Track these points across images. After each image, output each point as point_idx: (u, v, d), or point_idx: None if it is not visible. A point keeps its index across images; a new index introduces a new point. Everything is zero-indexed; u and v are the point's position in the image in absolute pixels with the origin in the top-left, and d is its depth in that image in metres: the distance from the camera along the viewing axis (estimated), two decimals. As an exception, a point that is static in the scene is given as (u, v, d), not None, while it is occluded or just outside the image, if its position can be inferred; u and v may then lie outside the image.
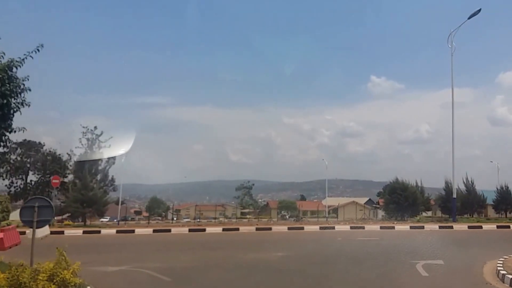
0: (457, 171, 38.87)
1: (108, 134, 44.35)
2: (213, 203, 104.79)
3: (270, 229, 27.51)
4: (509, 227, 27.21)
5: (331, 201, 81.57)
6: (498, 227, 27.24)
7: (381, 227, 27.46)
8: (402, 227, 27.58)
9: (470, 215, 46.41)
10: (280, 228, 27.70)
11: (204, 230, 26.98)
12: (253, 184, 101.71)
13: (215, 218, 65.28)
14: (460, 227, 27.27)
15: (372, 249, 16.80)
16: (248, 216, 77.73)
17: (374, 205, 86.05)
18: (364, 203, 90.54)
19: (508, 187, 48.87)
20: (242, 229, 27.56)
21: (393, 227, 27.42)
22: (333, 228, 27.73)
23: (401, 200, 43.67)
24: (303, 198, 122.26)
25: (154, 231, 26.75)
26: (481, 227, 26.95)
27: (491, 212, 50.11)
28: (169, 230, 26.87)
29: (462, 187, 47.09)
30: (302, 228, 27.68)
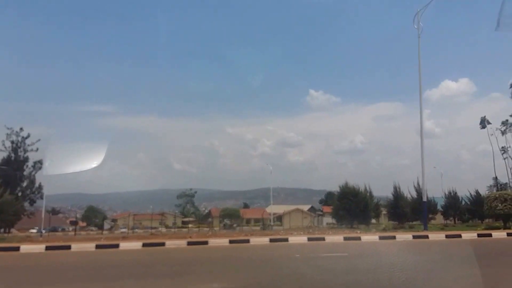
0: (388, 179, 34.82)
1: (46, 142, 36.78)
2: (155, 212, 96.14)
3: (207, 242, 20.35)
4: (490, 235, 21.85)
5: (274, 208, 75.59)
6: (479, 235, 21.78)
7: (345, 238, 21.16)
8: (369, 237, 21.47)
9: (421, 222, 42.13)
10: (219, 242, 20.65)
11: (117, 246, 19.26)
12: (196, 192, 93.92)
13: (152, 228, 58.53)
14: (436, 236, 21.58)
15: (354, 275, 9.98)
16: (189, 225, 72.10)
17: (318, 212, 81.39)
18: (307, 210, 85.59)
19: (456, 193, 45.23)
20: (170, 243, 20.12)
21: (359, 238, 21.18)
22: (286, 240, 20.99)
23: (352, 206, 38.32)
24: (246, 206, 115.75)
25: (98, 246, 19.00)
26: (460, 235, 21.32)
27: (439, 218, 46.29)
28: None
29: (406, 194, 42.94)
30: (248, 241, 20.84)
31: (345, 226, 38.23)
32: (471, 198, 43.70)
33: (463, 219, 42.54)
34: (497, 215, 27.63)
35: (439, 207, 44.39)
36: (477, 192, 43.54)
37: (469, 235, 21.55)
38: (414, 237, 21.22)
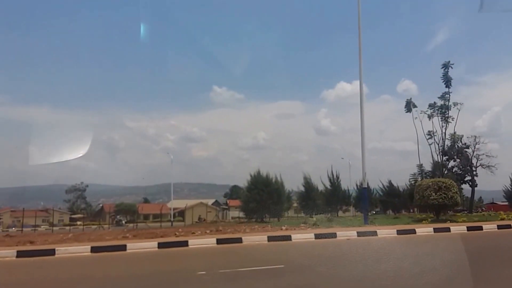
0: (290, 175, 29.90)
1: None
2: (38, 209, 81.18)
3: (54, 252, 11.90)
4: (481, 228, 16.61)
5: (177, 203, 67.17)
6: (469, 228, 16.47)
7: (270, 238, 14.11)
8: (300, 235, 14.68)
9: (335, 213, 37.48)
10: (73, 250, 12.31)
11: None
12: (87, 186, 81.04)
13: (35, 226, 49.23)
14: (387, 232, 15.56)
15: None
16: (78, 223, 62.05)
17: (223, 206, 74.72)
18: (211, 204, 78.39)
19: (367, 183, 41.28)
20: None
21: (289, 237, 14.31)
22: (186, 243, 13.35)
23: (264, 197, 31.97)
24: (146, 201, 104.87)
25: None
26: (448, 229, 15.77)
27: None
28: None
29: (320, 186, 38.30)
30: (124, 249, 12.77)
31: (255, 220, 31.90)
32: (384, 189, 40.53)
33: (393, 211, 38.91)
34: (430, 206, 22.87)
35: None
36: (390, 182, 40.59)
37: (458, 228, 15.86)
38: (359, 234, 15.01)
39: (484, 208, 38.75)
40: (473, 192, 34.85)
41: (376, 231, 15.36)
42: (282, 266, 8.99)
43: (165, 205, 66.49)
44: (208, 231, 16.16)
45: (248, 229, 16.99)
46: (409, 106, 30.98)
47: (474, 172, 34.18)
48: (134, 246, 12.80)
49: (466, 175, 34.25)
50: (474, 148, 33.72)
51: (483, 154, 33.64)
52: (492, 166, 33.20)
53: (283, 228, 17.04)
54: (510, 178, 39.31)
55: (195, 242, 13.37)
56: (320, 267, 8.83)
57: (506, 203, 39.25)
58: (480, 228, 16.50)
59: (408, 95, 72.89)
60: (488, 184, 36.98)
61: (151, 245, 12.99)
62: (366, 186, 21.03)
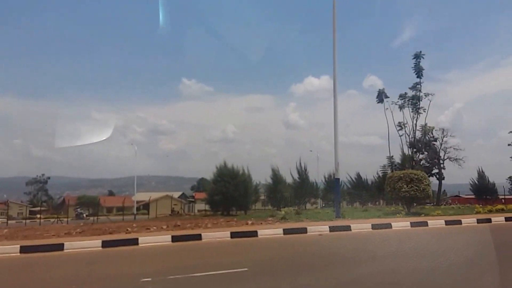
0: (259, 167, 28.67)
1: None
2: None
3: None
4: (460, 222, 15.33)
5: (143, 196, 64.49)
6: (447, 222, 15.27)
7: (233, 234, 12.38)
8: (268, 231, 13.02)
9: (303, 206, 36.24)
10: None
11: None
12: (49, 178, 76.81)
13: None
14: (360, 226, 14.12)
15: None
16: (38, 215, 58.27)
17: (189, 199, 72.50)
18: (178, 197, 75.90)
19: (331, 176, 40.29)
20: None
21: (255, 233, 12.65)
22: (136, 242, 11.43)
23: (230, 189, 30.29)
24: (111, 194, 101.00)
25: None
26: (426, 223, 14.42)
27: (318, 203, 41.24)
28: None
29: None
30: (61, 248, 10.71)
31: (221, 213, 30.16)
32: (352, 181, 39.61)
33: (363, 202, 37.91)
34: (401, 198, 21.78)
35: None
36: (358, 175, 39.70)
37: (436, 222, 14.55)
38: (331, 228, 13.50)
39: (450, 201, 38.47)
40: (440, 185, 34.44)
41: (349, 226, 13.91)
42: (246, 269, 7.31)
43: (128, 197, 63.65)
44: (165, 227, 14.25)
45: (210, 223, 15.20)
46: (381, 96, 29.88)
47: (442, 165, 33.74)
48: (74, 245, 10.77)
49: (434, 168, 33.76)
50: (442, 141, 33.27)
51: (450, 147, 33.25)
52: (459, 159, 32.84)
53: (249, 222, 15.33)
54: (477, 171, 39.27)
55: (146, 240, 11.46)
56: (290, 271, 7.19)
57: (472, 196, 39.16)
58: (459, 222, 15.36)
59: (374, 90, 72.55)
60: (452, 177, 36.70)
61: (94, 243, 10.98)
62: (338, 177, 19.45)
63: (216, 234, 12.06)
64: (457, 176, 39.99)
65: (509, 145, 39.51)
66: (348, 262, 8.11)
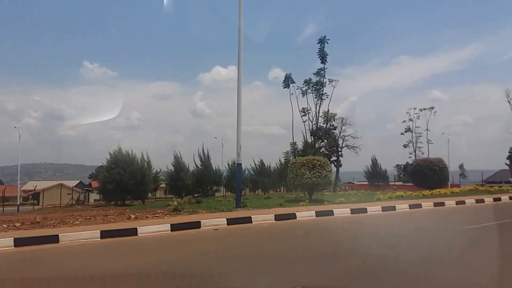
0: (164, 156, 26.66)
1: None
2: None
3: None
4: (365, 210, 14.10)
5: (38, 185, 57.13)
6: (353, 211, 13.92)
7: (119, 233, 9.61)
8: (149, 228, 10.47)
9: (206, 194, 34.05)
10: None
11: None
12: None
13: None
14: (305, 213, 12.28)
15: None
16: None
17: (86, 188, 66.02)
18: (75, 186, 68.63)
19: (235, 164, 38.97)
20: None
21: (134, 230, 10.00)
22: None
23: (125, 177, 27.12)
24: (0, 183, 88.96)
25: None
26: (331, 212, 12.86)
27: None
28: None
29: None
30: None
31: (115, 203, 26.85)
32: (256, 168, 38.51)
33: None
34: (303, 185, 20.71)
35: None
36: (261, 162, 38.71)
37: (374, 208, 13.02)
38: (229, 221, 11.46)
39: (348, 188, 39.45)
40: (337, 172, 34.81)
41: (250, 217, 11.99)
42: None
43: (11, 186, 55.63)
44: (18, 224, 10.89)
45: (83, 218, 12.14)
46: (287, 81, 28.67)
47: (340, 153, 34.09)
48: None
49: (332, 156, 33.95)
50: (341, 129, 33.57)
51: (348, 135, 33.69)
52: (356, 147, 33.43)
53: (133, 216, 12.58)
54: (371, 159, 40.79)
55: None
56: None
57: (365, 183, 40.60)
58: (364, 210, 14.33)
59: (278, 82, 72.62)
60: (347, 165, 37.59)
61: None
62: (240, 162, 17.48)
63: (82, 235, 9.20)
64: (351, 164, 41.21)
65: (401, 134, 41.79)
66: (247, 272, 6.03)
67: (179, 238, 9.59)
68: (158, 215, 12.94)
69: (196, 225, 10.92)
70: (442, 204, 16.65)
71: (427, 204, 16.32)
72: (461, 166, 59.56)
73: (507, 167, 39.27)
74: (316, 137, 30.66)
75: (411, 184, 30.99)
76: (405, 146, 41.10)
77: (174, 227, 10.48)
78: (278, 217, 12.32)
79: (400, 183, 43.34)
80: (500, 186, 29.60)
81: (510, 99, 35.85)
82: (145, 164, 29.74)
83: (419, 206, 16.08)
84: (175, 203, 14.23)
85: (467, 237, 8.70)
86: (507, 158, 35.20)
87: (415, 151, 40.85)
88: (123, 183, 26.69)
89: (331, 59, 27.86)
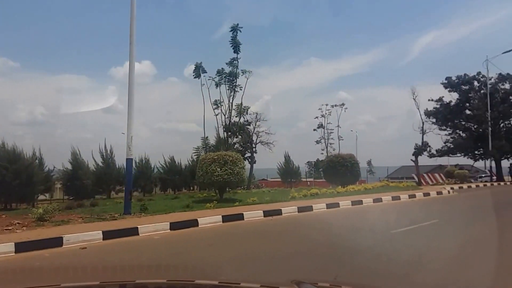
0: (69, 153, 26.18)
1: None
2: None
3: None
4: (280, 212, 12.25)
5: None
6: (265, 213, 11.80)
7: (21, 247, 6.60)
8: (88, 234, 7.61)
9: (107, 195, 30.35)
10: None
11: None
12: None
13: None
14: (209, 219, 10.01)
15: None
16: None
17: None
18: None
19: (148, 160, 35.71)
20: None
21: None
22: None
23: (7, 177, 22.82)
24: None
25: None
26: (242, 216, 10.87)
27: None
28: None
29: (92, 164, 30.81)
30: None
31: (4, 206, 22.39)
32: (166, 166, 35.51)
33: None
34: (214, 183, 18.74)
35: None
36: (172, 159, 35.81)
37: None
38: (106, 235, 8.98)
39: (263, 185, 38.42)
40: (252, 169, 33.57)
41: (137, 228, 9.59)
42: None
43: None
44: None
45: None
46: (198, 71, 26.43)
47: (254, 149, 32.87)
48: None
49: (247, 152, 32.60)
50: (255, 125, 32.35)
51: (263, 131, 32.62)
52: (270, 143, 32.48)
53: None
54: (284, 156, 40.26)
55: None
56: None
57: (278, 180, 40.02)
58: (279, 212, 12.78)
59: (193, 80, 69.74)
60: (261, 162, 36.65)
61: None
62: (131, 157, 14.37)
63: None
64: (265, 161, 40.37)
65: (314, 130, 41.95)
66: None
67: (22, 264, 6.84)
68: (10, 228, 9.88)
69: (57, 242, 8.23)
70: (360, 202, 15.88)
71: (345, 203, 15.41)
72: (369, 163, 61.93)
73: (408, 164, 41.42)
74: (230, 132, 28.95)
75: (323, 180, 30.77)
76: (317, 142, 41.43)
77: (23, 247, 7.64)
78: (174, 226, 10.10)
79: (312, 179, 43.59)
80: (401, 182, 30.85)
81: (416, 97, 37.37)
82: (34, 162, 25.41)
83: (337, 205, 15.08)
84: (40, 210, 11.20)
85: (400, 246, 7.38)
86: (413, 155, 36.76)
87: (327, 147, 41.32)
88: (5, 184, 22.39)
89: (245, 60, 26.38)
